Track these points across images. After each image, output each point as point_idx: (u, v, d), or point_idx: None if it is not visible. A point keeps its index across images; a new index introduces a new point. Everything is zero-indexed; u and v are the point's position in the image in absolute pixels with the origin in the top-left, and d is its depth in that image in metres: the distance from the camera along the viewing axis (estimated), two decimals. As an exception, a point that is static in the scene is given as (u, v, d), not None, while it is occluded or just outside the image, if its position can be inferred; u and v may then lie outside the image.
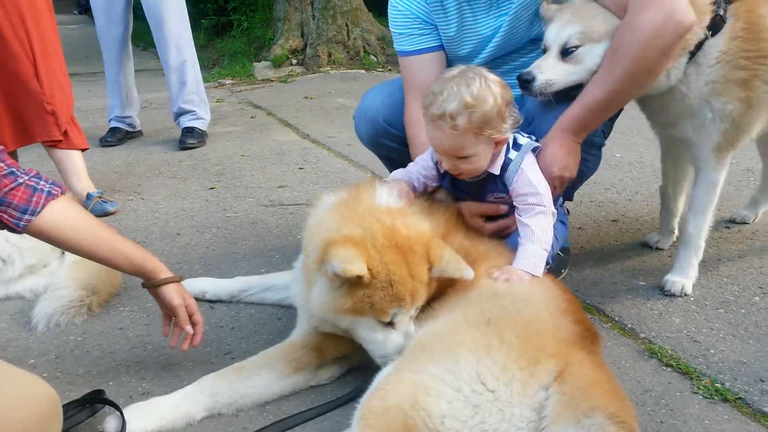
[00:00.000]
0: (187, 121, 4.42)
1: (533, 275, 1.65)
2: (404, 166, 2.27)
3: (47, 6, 3.01)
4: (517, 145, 1.82)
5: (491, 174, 1.82)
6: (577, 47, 1.86)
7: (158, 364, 1.88)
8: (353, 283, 1.48)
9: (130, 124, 4.57)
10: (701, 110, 1.96)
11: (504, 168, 1.80)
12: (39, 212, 1.57)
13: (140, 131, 4.70)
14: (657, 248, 2.51)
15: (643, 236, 2.62)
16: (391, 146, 2.39)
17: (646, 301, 2.16)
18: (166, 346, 1.97)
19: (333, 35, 7.62)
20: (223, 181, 3.62)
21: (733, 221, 2.80)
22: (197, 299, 2.20)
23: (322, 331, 1.72)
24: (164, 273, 1.75)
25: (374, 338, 1.57)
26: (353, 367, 1.79)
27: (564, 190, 1.97)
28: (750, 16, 1.88)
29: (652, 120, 2.08)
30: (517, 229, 1.81)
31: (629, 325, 2.01)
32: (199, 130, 4.43)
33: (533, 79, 1.88)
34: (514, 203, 1.82)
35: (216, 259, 2.60)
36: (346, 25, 7.69)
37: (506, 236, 1.93)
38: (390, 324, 1.54)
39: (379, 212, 1.57)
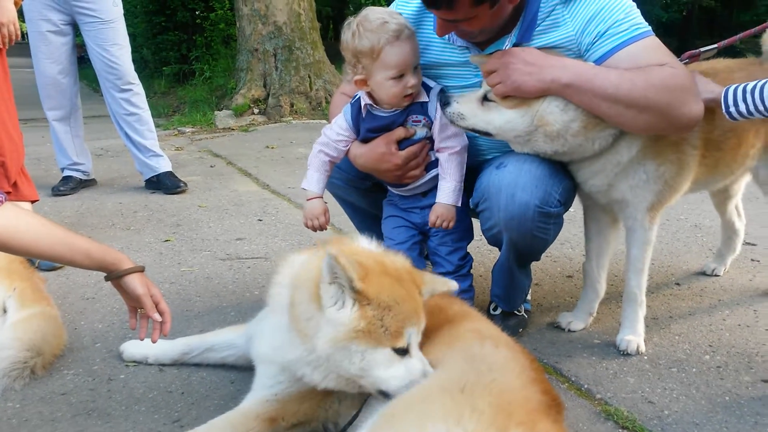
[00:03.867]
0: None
1: (455, 206, 2.14)
2: (350, 205, 2.62)
3: None
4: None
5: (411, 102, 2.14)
6: (495, 101, 1.96)
7: (102, 432, 1.79)
8: (360, 302, 1.44)
9: (84, 172, 4.48)
10: (637, 172, 2.04)
11: (426, 92, 2.14)
12: None
13: (94, 179, 4.61)
14: (569, 330, 2.36)
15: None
16: (338, 185, 2.45)
17: (602, 360, 2.18)
18: (112, 413, 1.89)
19: (295, 86, 7.73)
20: (178, 233, 3.55)
21: (703, 273, 2.90)
22: (141, 364, 2.16)
23: (300, 395, 1.64)
24: (126, 263, 1.78)
25: (395, 372, 1.47)
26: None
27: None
28: None
29: (588, 184, 2.12)
30: (424, 158, 2.18)
31: (585, 386, 2.02)
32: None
33: (448, 104, 2.02)
34: (436, 140, 2.16)
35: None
36: (309, 77, 7.81)
37: (416, 167, 2.17)
38: (405, 352, 1.49)
39: (367, 253, 1.62)
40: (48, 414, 1.88)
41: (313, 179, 2.22)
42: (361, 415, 1.62)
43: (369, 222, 2.60)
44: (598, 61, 1.91)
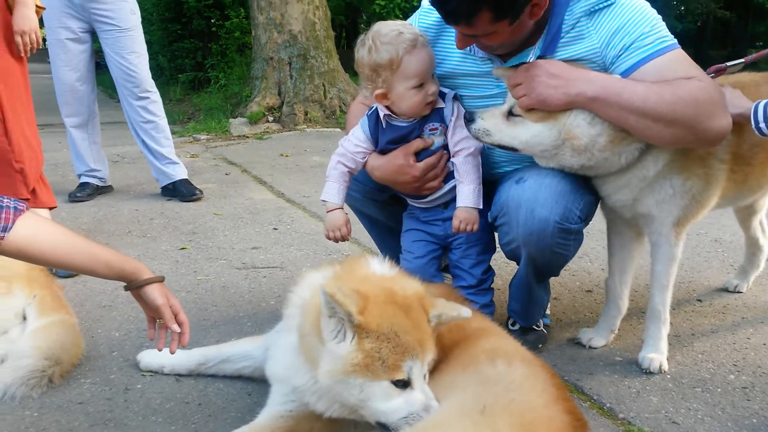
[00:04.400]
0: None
1: (477, 208, 2.11)
2: (368, 218, 2.58)
3: (19, 61, 2.98)
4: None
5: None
6: (520, 116, 1.93)
7: (119, 443, 1.78)
8: (359, 335, 1.42)
9: (101, 179, 4.50)
10: (663, 186, 2.01)
11: (441, 97, 2.13)
12: (11, 228, 1.56)
13: (110, 186, 4.63)
14: (590, 347, 2.32)
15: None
16: (357, 197, 2.44)
17: (624, 378, 2.14)
18: (129, 423, 1.88)
19: (310, 94, 7.75)
20: (194, 241, 3.55)
21: (726, 290, 2.86)
22: (156, 373, 2.15)
23: (314, 413, 1.61)
24: (146, 273, 1.77)
25: (393, 405, 1.44)
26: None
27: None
28: None
29: (613, 199, 2.09)
30: (443, 169, 2.16)
31: (608, 405, 1.99)
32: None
33: (473, 121, 2.00)
34: (450, 144, 2.14)
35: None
36: (323, 85, 7.83)
37: (434, 178, 2.15)
38: (407, 385, 1.45)
39: (376, 278, 1.59)
40: (65, 423, 1.87)
41: (333, 191, 2.21)
42: None
43: (386, 235, 2.58)
44: (624, 74, 1.89)
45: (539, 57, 1.99)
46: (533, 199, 2.00)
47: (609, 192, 2.08)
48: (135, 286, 1.76)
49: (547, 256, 2.08)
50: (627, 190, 2.03)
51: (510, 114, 1.96)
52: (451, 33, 2.13)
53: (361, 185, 2.37)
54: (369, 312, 1.43)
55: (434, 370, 1.57)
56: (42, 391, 2.01)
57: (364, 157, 2.22)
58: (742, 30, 16.02)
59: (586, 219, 2.11)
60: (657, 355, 2.16)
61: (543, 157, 1.99)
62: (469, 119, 2.03)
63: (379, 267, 1.66)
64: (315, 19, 7.86)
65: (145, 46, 4.27)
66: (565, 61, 1.94)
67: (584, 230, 2.16)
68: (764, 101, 1.83)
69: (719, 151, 2.03)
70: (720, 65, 2.03)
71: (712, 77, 2.01)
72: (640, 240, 2.29)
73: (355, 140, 2.21)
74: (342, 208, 2.23)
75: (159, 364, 2.16)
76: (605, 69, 1.94)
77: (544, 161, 2.00)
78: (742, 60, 2.05)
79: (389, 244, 2.58)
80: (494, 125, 1.97)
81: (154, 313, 1.81)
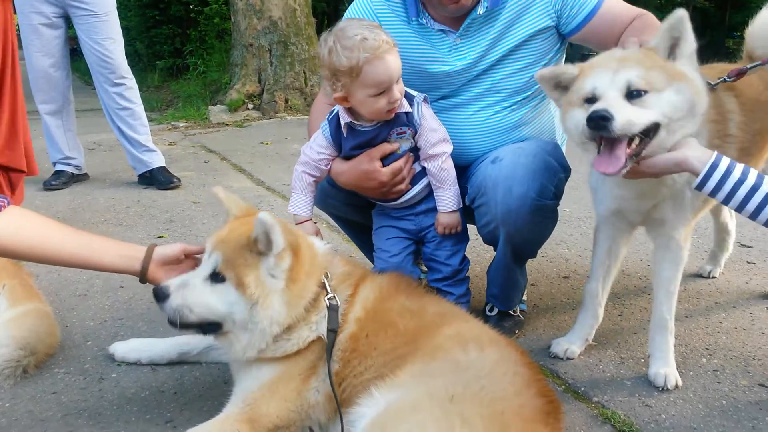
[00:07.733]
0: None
1: (457, 210, 2.15)
2: (349, 223, 2.53)
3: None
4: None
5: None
6: (642, 92, 1.69)
7: (93, 433, 1.77)
8: None
9: (76, 167, 4.43)
10: (684, 191, 1.95)
11: (409, 102, 2.07)
12: None
13: (86, 174, 4.56)
14: (567, 358, 2.19)
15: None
16: (336, 204, 2.40)
17: (598, 362, 2.17)
18: (103, 413, 1.86)
19: (290, 82, 7.68)
20: (171, 230, 3.52)
21: (699, 276, 2.91)
22: (132, 364, 2.13)
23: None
24: (142, 253, 1.76)
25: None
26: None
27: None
28: (718, 108, 1.96)
29: (633, 205, 2.00)
30: (409, 172, 2.13)
31: (582, 389, 2.01)
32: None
33: (612, 118, 1.64)
34: (423, 148, 2.10)
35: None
36: (304, 72, 7.76)
37: (401, 182, 2.11)
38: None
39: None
40: (38, 413, 1.85)
41: (300, 203, 2.15)
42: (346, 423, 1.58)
43: (368, 237, 2.50)
44: (579, 27, 2.17)
45: (487, 9, 2.12)
46: (510, 176, 2.01)
47: (629, 198, 2.00)
48: (144, 272, 1.72)
49: (524, 234, 2.10)
50: (650, 197, 1.97)
51: (629, 96, 1.70)
52: (399, 7, 2.23)
53: (341, 193, 2.29)
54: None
55: (400, 359, 1.56)
56: (15, 381, 1.99)
57: (328, 164, 2.15)
58: (721, 19, 16.17)
59: (560, 196, 2.16)
60: (669, 369, 2.03)
61: (672, 130, 1.75)
62: (605, 117, 1.65)
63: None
64: (295, 6, 7.77)
65: (120, 32, 4.20)
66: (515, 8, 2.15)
67: (561, 218, 2.18)
68: (728, 165, 1.71)
69: (729, 148, 1.98)
70: (741, 68, 2.01)
71: (734, 80, 1.99)
72: (627, 246, 2.23)
73: (318, 147, 2.13)
74: (311, 219, 2.18)
75: (136, 358, 2.13)
76: (557, 16, 2.18)
77: (671, 136, 1.76)
78: (759, 62, 2.06)
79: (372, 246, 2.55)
80: (633, 113, 1.68)
81: (179, 262, 1.80)
